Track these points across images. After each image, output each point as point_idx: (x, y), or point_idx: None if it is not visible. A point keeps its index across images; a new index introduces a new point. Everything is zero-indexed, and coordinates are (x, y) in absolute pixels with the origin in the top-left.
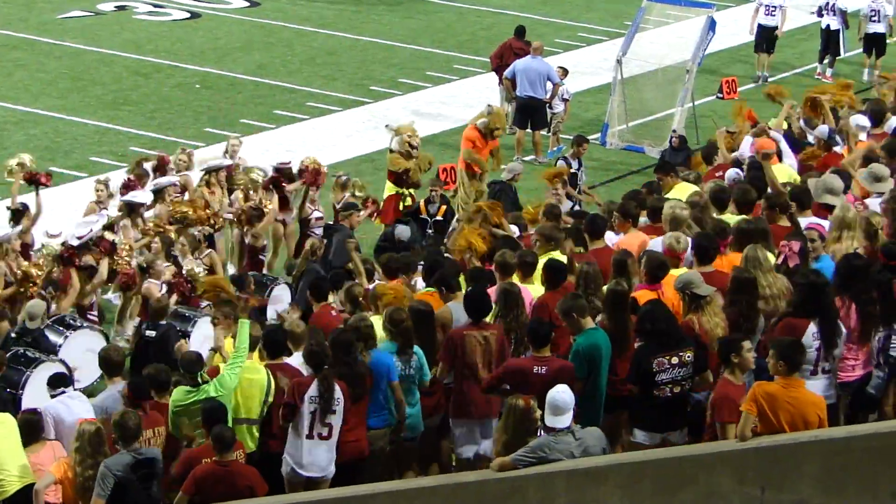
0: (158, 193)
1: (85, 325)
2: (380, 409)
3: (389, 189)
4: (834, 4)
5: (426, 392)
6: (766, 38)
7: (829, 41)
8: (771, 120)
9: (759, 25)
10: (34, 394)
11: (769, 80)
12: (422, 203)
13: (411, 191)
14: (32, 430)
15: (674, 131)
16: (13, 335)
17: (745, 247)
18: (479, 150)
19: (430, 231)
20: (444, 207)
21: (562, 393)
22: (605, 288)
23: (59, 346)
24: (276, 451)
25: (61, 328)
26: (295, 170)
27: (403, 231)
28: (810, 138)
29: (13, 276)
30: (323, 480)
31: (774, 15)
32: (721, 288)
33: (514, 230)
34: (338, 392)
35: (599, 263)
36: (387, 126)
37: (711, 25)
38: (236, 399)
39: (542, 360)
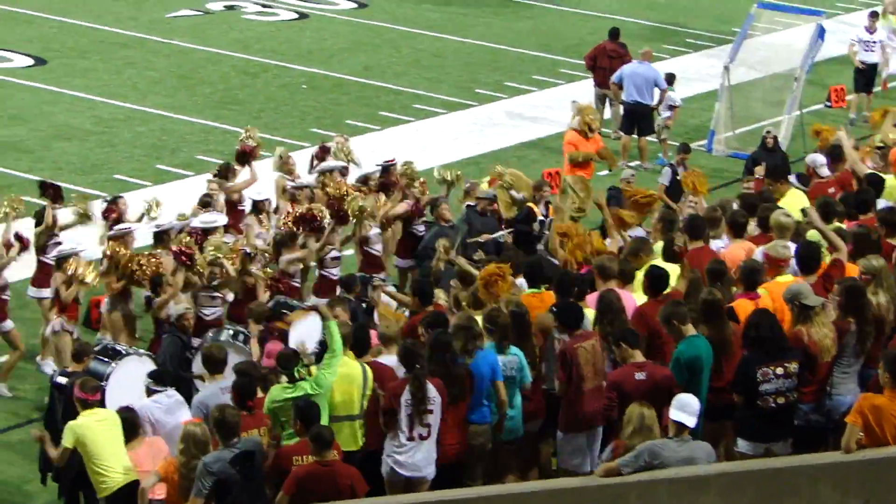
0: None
1: (131, 351)
2: (481, 406)
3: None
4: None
5: (525, 397)
6: (864, 76)
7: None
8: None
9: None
10: (118, 387)
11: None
12: (532, 205)
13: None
14: (132, 427)
15: (768, 131)
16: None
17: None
18: (581, 149)
19: (546, 231)
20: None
21: (687, 395)
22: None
23: (109, 374)
24: (376, 450)
25: (106, 359)
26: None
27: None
28: None
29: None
30: (423, 481)
31: (873, 50)
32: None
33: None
34: (432, 391)
35: (698, 264)
36: (573, 101)
37: (821, 33)
38: (334, 397)
39: (640, 366)
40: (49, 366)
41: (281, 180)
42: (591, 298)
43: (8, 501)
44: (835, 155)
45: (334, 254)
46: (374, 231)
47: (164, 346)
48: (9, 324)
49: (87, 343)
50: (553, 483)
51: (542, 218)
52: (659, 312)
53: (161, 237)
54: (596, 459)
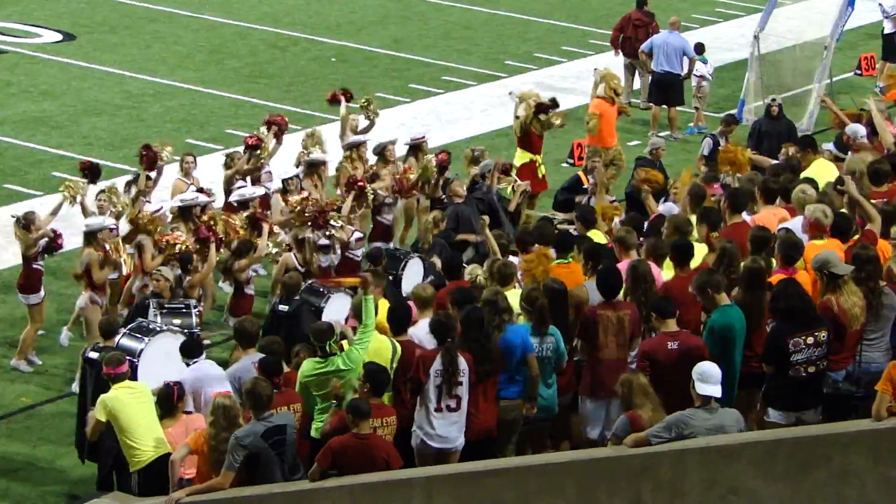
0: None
1: (164, 328)
2: (513, 381)
3: (521, 157)
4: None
5: (557, 372)
6: (888, 46)
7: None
8: None
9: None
10: (151, 363)
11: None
12: (581, 174)
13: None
14: (168, 403)
15: (773, 99)
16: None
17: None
18: (608, 118)
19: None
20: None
21: (706, 363)
22: (742, 264)
23: (141, 350)
24: (404, 424)
25: (139, 335)
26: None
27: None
28: None
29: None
30: (453, 452)
31: (889, 17)
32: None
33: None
34: (463, 364)
35: (737, 239)
36: (595, 69)
37: (850, 1)
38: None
39: (672, 335)
40: (66, 337)
41: (181, 183)
42: (622, 268)
43: (41, 476)
44: (874, 125)
45: (357, 234)
46: (387, 201)
47: (136, 303)
48: (39, 296)
49: (116, 319)
50: (584, 454)
51: (587, 186)
52: (693, 281)
53: (185, 213)
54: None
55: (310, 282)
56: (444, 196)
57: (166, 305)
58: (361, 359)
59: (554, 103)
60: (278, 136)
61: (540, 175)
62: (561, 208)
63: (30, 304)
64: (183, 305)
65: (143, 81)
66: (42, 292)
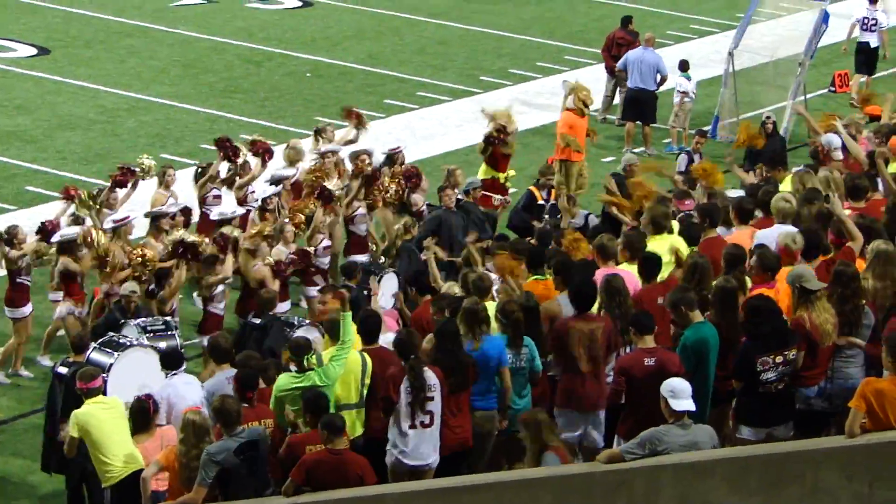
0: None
1: (134, 342)
2: (488, 392)
3: (485, 172)
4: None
5: (532, 383)
6: (865, 58)
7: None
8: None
9: (858, 43)
10: (120, 378)
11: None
12: (535, 189)
13: (508, 174)
14: (143, 418)
15: (767, 117)
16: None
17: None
18: (578, 131)
19: (546, 216)
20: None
21: (675, 379)
22: (714, 283)
23: (111, 365)
24: (377, 437)
25: (109, 349)
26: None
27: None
28: None
29: (129, 259)
30: (427, 469)
31: (874, 31)
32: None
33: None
34: (432, 379)
35: (710, 254)
36: (564, 82)
37: (825, 18)
38: (336, 387)
39: (649, 351)
40: (46, 360)
41: (160, 196)
42: (597, 279)
43: (14, 491)
44: (850, 135)
45: (326, 243)
46: (360, 212)
47: (105, 317)
48: (24, 311)
49: (88, 335)
50: (559, 469)
51: (542, 202)
52: (667, 298)
53: (155, 224)
54: (595, 442)
55: (285, 315)
56: (418, 208)
57: (150, 328)
58: (338, 375)
59: (502, 132)
60: (264, 162)
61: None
62: (518, 231)
63: (14, 319)
64: (164, 326)
65: (118, 96)
66: (28, 308)
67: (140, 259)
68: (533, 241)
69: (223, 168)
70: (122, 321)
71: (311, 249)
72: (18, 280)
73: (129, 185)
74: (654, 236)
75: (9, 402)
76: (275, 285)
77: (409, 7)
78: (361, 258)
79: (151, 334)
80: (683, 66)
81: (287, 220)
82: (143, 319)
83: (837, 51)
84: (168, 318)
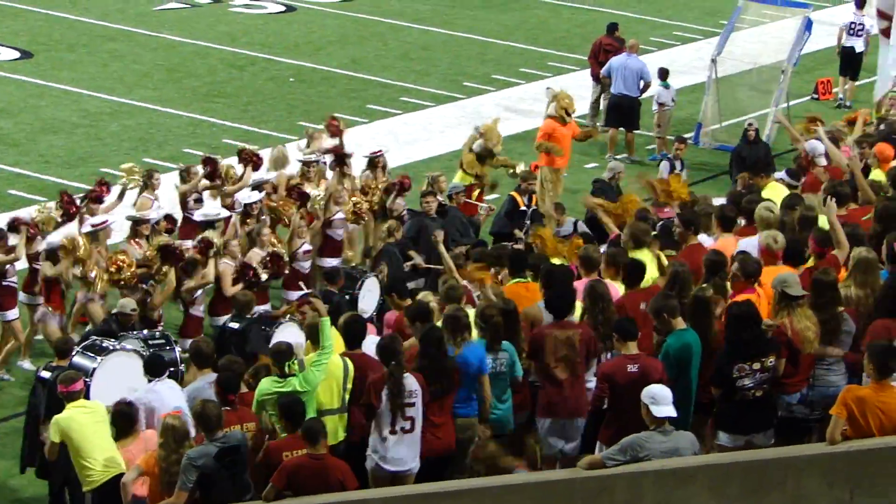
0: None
1: (117, 347)
2: (469, 399)
3: (463, 179)
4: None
5: (514, 389)
6: (849, 63)
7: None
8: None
9: (843, 47)
10: (103, 382)
11: (850, 107)
12: (516, 195)
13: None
14: (125, 422)
15: (750, 124)
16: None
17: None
18: (560, 138)
19: (528, 222)
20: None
21: (655, 385)
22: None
23: (94, 369)
24: (358, 442)
25: (91, 354)
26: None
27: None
28: None
29: (106, 265)
30: (408, 475)
31: (860, 35)
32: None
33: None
34: (412, 384)
35: (691, 261)
36: (548, 88)
37: (808, 26)
38: (317, 392)
39: (632, 358)
40: (27, 364)
41: (145, 200)
42: (578, 287)
43: None
44: (833, 141)
45: (306, 247)
46: (338, 216)
47: (100, 327)
48: (13, 313)
49: (71, 339)
50: (540, 475)
51: (524, 208)
52: (649, 305)
53: (135, 228)
54: (575, 449)
55: (260, 313)
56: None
57: (150, 342)
58: (318, 381)
59: (489, 153)
60: (255, 168)
61: (473, 197)
62: (499, 237)
63: (3, 321)
64: (164, 339)
65: (101, 100)
66: (15, 311)
67: (116, 267)
68: (515, 246)
69: (247, 174)
70: (121, 334)
71: (284, 252)
72: (4, 283)
73: (117, 196)
74: (634, 251)
75: None
76: (234, 289)
77: (393, 12)
78: (334, 262)
79: (153, 349)
80: (663, 74)
81: (265, 222)
82: (144, 332)
83: (821, 58)
84: (167, 332)
